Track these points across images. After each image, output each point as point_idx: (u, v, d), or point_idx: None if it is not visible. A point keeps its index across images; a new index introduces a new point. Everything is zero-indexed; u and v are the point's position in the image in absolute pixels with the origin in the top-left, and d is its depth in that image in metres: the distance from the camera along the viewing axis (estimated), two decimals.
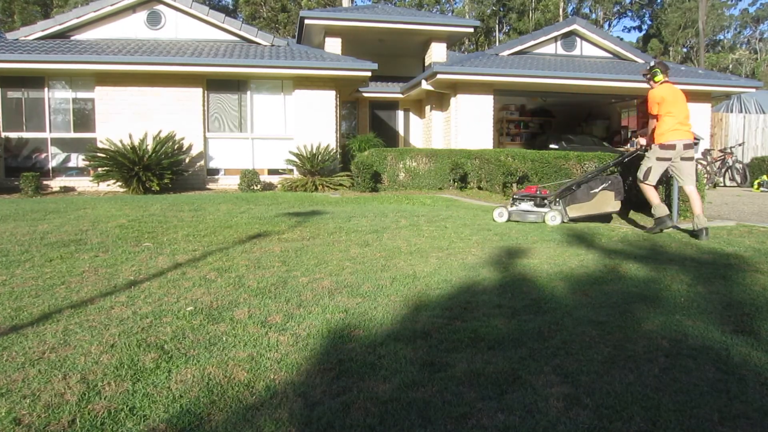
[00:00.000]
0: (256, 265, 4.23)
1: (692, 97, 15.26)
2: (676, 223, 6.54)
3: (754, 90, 15.78)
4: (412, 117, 17.77)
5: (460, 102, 14.15)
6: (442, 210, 7.72)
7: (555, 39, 16.02)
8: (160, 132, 11.36)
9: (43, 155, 11.81)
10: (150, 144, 11.07)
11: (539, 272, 4.02)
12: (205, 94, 12.26)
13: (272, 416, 1.92)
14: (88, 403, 2.01)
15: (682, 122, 5.88)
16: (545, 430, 1.83)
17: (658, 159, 5.89)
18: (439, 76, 13.48)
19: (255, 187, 11.40)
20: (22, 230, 5.61)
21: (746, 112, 16.55)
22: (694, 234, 5.59)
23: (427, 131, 16.48)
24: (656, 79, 5.97)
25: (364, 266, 4.21)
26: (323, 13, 15.85)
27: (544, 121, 18.83)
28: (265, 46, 13.21)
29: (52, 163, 11.86)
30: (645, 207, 7.53)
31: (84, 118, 11.92)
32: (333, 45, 15.53)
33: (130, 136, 11.14)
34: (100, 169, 10.80)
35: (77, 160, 11.86)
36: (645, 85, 16.03)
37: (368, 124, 17.51)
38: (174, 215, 6.78)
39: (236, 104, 12.52)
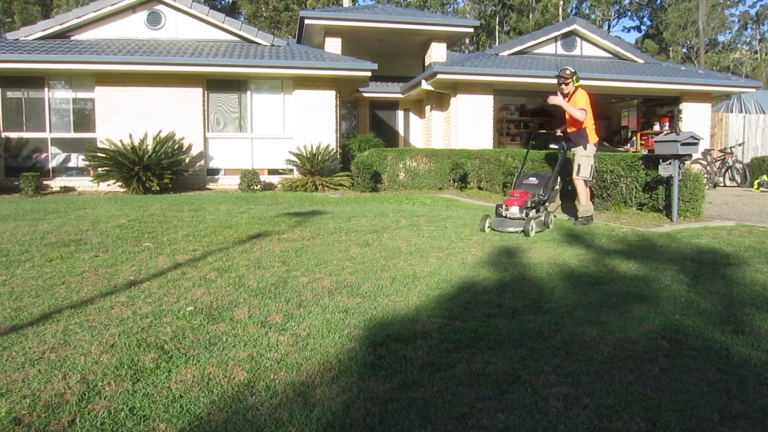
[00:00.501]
0: (256, 265, 4.23)
1: (692, 97, 15.31)
2: (676, 223, 6.54)
3: (754, 90, 15.78)
4: (412, 117, 17.77)
5: (460, 102, 14.15)
6: (442, 210, 7.72)
7: (555, 39, 16.02)
8: (160, 132, 11.36)
9: (43, 155, 11.81)
10: (150, 144, 11.07)
11: (539, 272, 4.02)
12: (205, 94, 12.26)
13: (272, 416, 1.92)
14: (88, 403, 2.01)
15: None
16: (545, 430, 1.83)
17: (593, 156, 6.64)
18: (439, 76, 13.48)
19: (255, 187, 11.40)
20: (22, 230, 5.61)
21: (746, 112, 16.55)
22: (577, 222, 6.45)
23: (427, 131, 16.48)
24: (577, 83, 6.59)
25: (364, 266, 4.21)
26: (323, 13, 15.85)
27: (544, 121, 18.82)
28: (265, 46, 13.21)
29: (52, 163, 11.86)
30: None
31: (84, 118, 11.92)
32: (333, 45, 15.53)
33: (130, 136, 11.14)
34: (100, 169, 10.80)
35: (77, 160, 11.86)
36: (645, 85, 15.81)
37: (368, 124, 17.51)
38: (174, 215, 6.78)
39: (236, 104, 12.52)
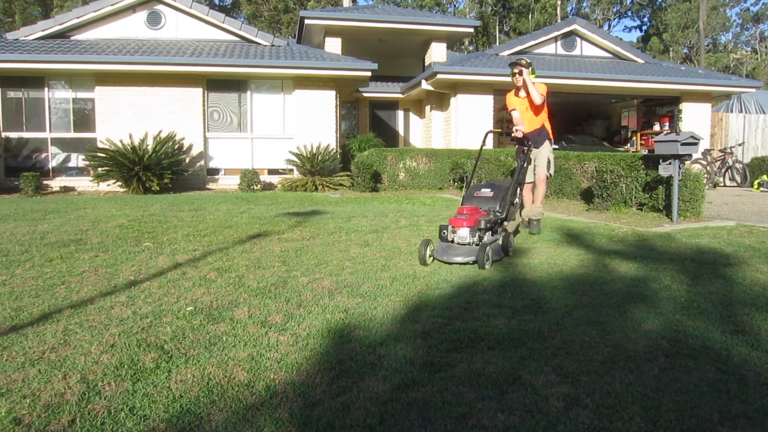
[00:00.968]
0: (256, 265, 4.23)
1: (692, 97, 15.31)
2: (676, 223, 6.54)
3: (754, 90, 15.79)
4: (412, 117, 17.77)
5: (460, 102, 14.15)
6: (442, 210, 7.72)
7: (555, 39, 16.02)
8: (160, 132, 11.36)
9: (43, 155, 11.81)
10: (150, 144, 11.07)
11: (539, 272, 4.02)
12: (205, 94, 12.26)
13: (272, 416, 1.92)
14: (88, 403, 2.01)
15: None
16: (545, 430, 1.83)
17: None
18: (439, 76, 13.48)
19: (255, 187, 11.40)
20: (22, 230, 5.61)
21: (746, 112, 16.55)
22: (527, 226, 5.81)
23: (427, 131, 16.48)
24: (533, 75, 5.84)
25: (364, 266, 4.21)
26: (323, 13, 15.85)
27: None
28: (265, 46, 13.21)
29: (52, 163, 11.86)
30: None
31: (84, 118, 11.92)
32: (333, 45, 15.53)
33: (130, 136, 11.14)
34: (100, 169, 10.81)
35: (77, 160, 11.86)
36: (645, 85, 15.81)
37: (368, 124, 17.51)
38: (174, 215, 6.78)
39: (236, 104, 12.52)
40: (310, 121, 12.56)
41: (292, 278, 3.84)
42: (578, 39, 16.15)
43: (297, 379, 2.22)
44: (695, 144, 6.61)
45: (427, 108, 16.21)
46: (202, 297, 3.38)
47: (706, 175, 12.97)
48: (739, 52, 43.62)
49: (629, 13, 50.26)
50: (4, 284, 3.63)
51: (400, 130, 17.94)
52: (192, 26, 12.92)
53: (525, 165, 5.63)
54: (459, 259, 4.25)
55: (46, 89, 11.70)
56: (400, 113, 17.88)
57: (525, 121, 5.89)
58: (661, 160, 6.75)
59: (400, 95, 16.86)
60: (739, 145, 15.50)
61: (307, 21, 15.23)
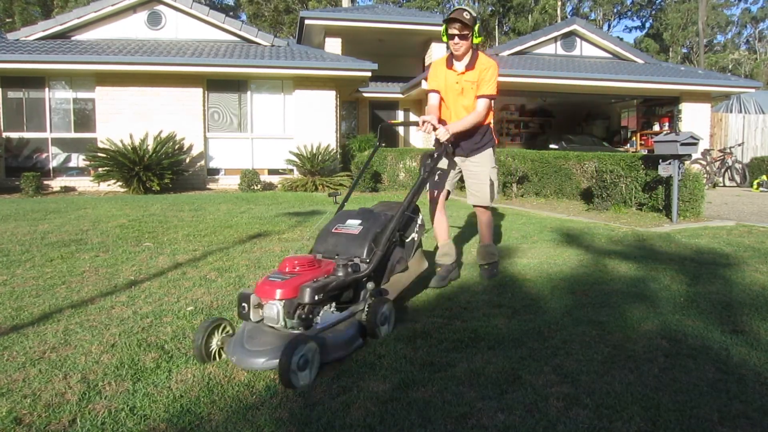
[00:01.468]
0: (257, 265, 4.23)
1: (692, 97, 15.31)
2: (675, 223, 6.54)
3: (753, 90, 15.80)
4: (412, 117, 17.78)
5: None
6: None
7: (555, 39, 16.03)
8: (160, 132, 11.37)
9: (44, 155, 11.82)
10: (150, 144, 11.07)
11: (539, 272, 4.02)
12: (206, 94, 12.26)
13: (272, 416, 1.92)
14: (89, 403, 2.01)
15: None
16: (545, 430, 1.84)
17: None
18: None
19: (255, 187, 11.40)
20: (23, 230, 5.61)
21: (746, 113, 16.56)
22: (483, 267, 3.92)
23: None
24: (478, 39, 3.57)
25: None
26: (323, 14, 15.87)
27: (544, 121, 18.85)
28: (266, 46, 13.21)
29: (53, 163, 11.86)
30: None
31: (84, 118, 11.92)
32: (333, 45, 15.54)
33: (131, 136, 11.15)
34: (100, 169, 10.81)
35: (78, 160, 11.87)
36: (645, 86, 15.73)
37: (368, 124, 17.52)
38: (174, 215, 6.78)
39: (236, 104, 12.53)
40: (310, 121, 12.56)
41: None
42: (578, 39, 16.16)
43: None
44: (695, 144, 6.61)
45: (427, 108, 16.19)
46: (202, 297, 3.38)
47: (705, 175, 12.98)
48: (737, 52, 43.61)
49: (629, 13, 50.29)
50: (4, 284, 3.63)
51: (400, 130, 17.95)
52: (192, 26, 12.92)
53: (423, 176, 3.36)
54: (260, 361, 2.25)
55: (46, 89, 11.71)
56: (400, 113, 17.90)
57: (454, 112, 3.73)
58: (660, 160, 6.75)
59: (400, 95, 16.87)
60: (739, 145, 15.51)
61: (307, 21, 15.24)
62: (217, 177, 12.43)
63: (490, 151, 3.83)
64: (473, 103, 3.65)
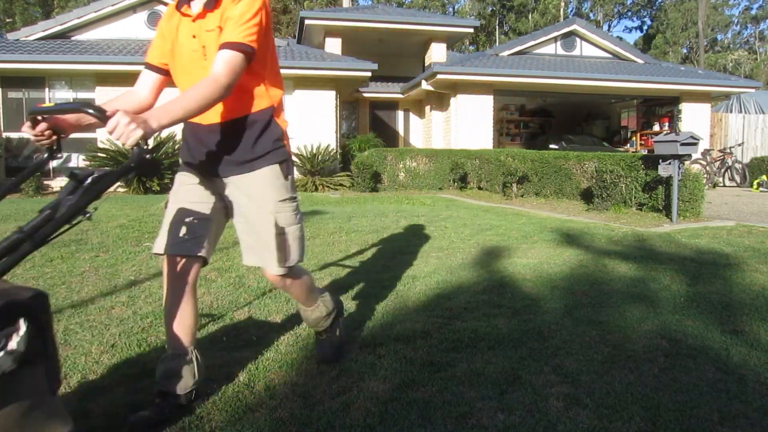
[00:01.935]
0: None
1: (692, 97, 15.31)
2: (675, 223, 6.54)
3: (753, 90, 15.80)
4: (412, 117, 17.78)
5: (460, 102, 14.15)
6: (442, 210, 7.72)
7: (555, 39, 16.03)
8: (160, 132, 11.36)
9: (44, 155, 11.81)
10: (150, 144, 11.07)
11: (539, 272, 4.02)
12: None
13: (272, 416, 1.92)
14: (89, 403, 2.01)
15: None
16: (545, 430, 1.84)
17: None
18: (439, 76, 13.48)
19: None
20: None
21: (746, 113, 16.57)
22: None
23: (427, 131, 16.48)
24: None
25: (365, 266, 4.21)
26: (323, 14, 15.87)
27: (544, 121, 18.85)
28: None
29: (53, 163, 11.86)
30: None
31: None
32: (333, 45, 15.53)
33: None
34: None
35: (78, 160, 11.86)
36: (644, 86, 15.72)
37: (368, 124, 17.52)
38: None
39: None
40: (310, 121, 12.56)
41: None
42: (578, 39, 16.16)
43: (297, 379, 2.23)
44: (695, 144, 6.62)
45: (427, 108, 16.21)
46: (202, 297, 3.38)
47: (705, 175, 12.98)
48: (737, 52, 43.62)
49: (629, 14, 50.30)
50: None
51: (400, 131, 17.95)
52: None
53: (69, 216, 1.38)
54: None
55: (46, 89, 11.71)
56: (400, 113, 17.89)
57: (182, 83, 2.24)
58: (660, 160, 6.75)
59: (400, 95, 16.87)
60: (739, 145, 15.51)
61: (307, 21, 15.24)
62: None
63: (274, 169, 1.99)
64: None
